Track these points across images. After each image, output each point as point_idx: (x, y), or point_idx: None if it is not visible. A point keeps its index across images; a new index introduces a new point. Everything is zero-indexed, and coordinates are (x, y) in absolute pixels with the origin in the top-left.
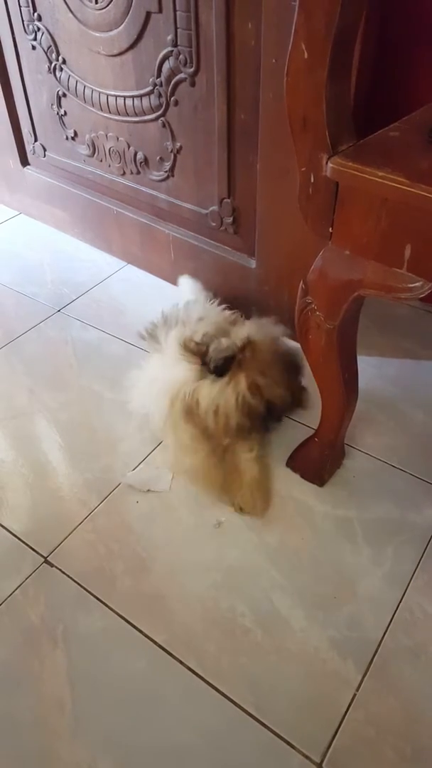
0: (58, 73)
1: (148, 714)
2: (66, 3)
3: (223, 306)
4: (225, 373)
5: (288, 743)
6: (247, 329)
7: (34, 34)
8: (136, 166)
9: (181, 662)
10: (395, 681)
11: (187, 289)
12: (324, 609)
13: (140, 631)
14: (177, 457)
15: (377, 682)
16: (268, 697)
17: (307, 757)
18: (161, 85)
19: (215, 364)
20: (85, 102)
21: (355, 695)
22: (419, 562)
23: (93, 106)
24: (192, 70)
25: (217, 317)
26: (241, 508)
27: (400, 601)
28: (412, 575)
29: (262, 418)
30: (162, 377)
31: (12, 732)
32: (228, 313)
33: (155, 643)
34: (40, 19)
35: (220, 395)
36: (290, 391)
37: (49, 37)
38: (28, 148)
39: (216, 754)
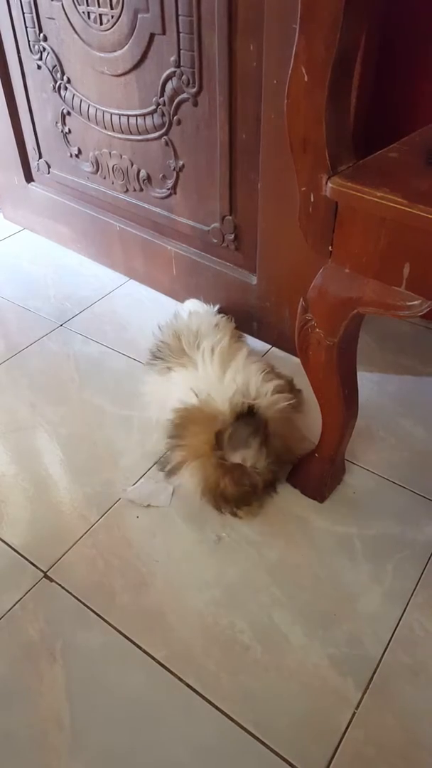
0: (62, 92)
1: (147, 731)
2: (71, 24)
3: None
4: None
5: (287, 761)
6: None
7: (39, 54)
8: (139, 183)
9: (179, 679)
10: (395, 700)
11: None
12: (324, 626)
13: (139, 647)
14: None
15: (377, 700)
16: (267, 714)
17: None
18: (164, 105)
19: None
20: (89, 120)
21: (354, 713)
22: (419, 580)
23: (97, 124)
24: (194, 90)
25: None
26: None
27: (400, 619)
28: (413, 592)
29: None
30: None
31: (9, 748)
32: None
33: (154, 659)
34: (45, 39)
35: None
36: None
37: (54, 57)
38: (33, 164)
39: None
